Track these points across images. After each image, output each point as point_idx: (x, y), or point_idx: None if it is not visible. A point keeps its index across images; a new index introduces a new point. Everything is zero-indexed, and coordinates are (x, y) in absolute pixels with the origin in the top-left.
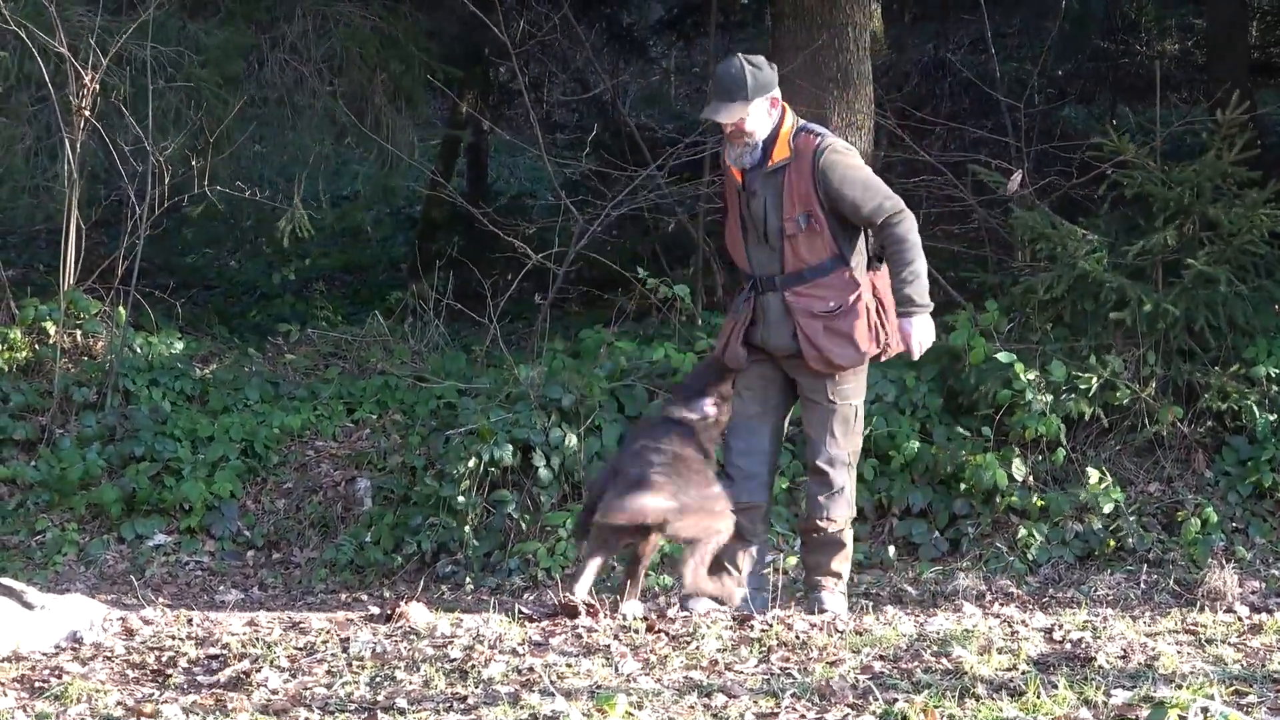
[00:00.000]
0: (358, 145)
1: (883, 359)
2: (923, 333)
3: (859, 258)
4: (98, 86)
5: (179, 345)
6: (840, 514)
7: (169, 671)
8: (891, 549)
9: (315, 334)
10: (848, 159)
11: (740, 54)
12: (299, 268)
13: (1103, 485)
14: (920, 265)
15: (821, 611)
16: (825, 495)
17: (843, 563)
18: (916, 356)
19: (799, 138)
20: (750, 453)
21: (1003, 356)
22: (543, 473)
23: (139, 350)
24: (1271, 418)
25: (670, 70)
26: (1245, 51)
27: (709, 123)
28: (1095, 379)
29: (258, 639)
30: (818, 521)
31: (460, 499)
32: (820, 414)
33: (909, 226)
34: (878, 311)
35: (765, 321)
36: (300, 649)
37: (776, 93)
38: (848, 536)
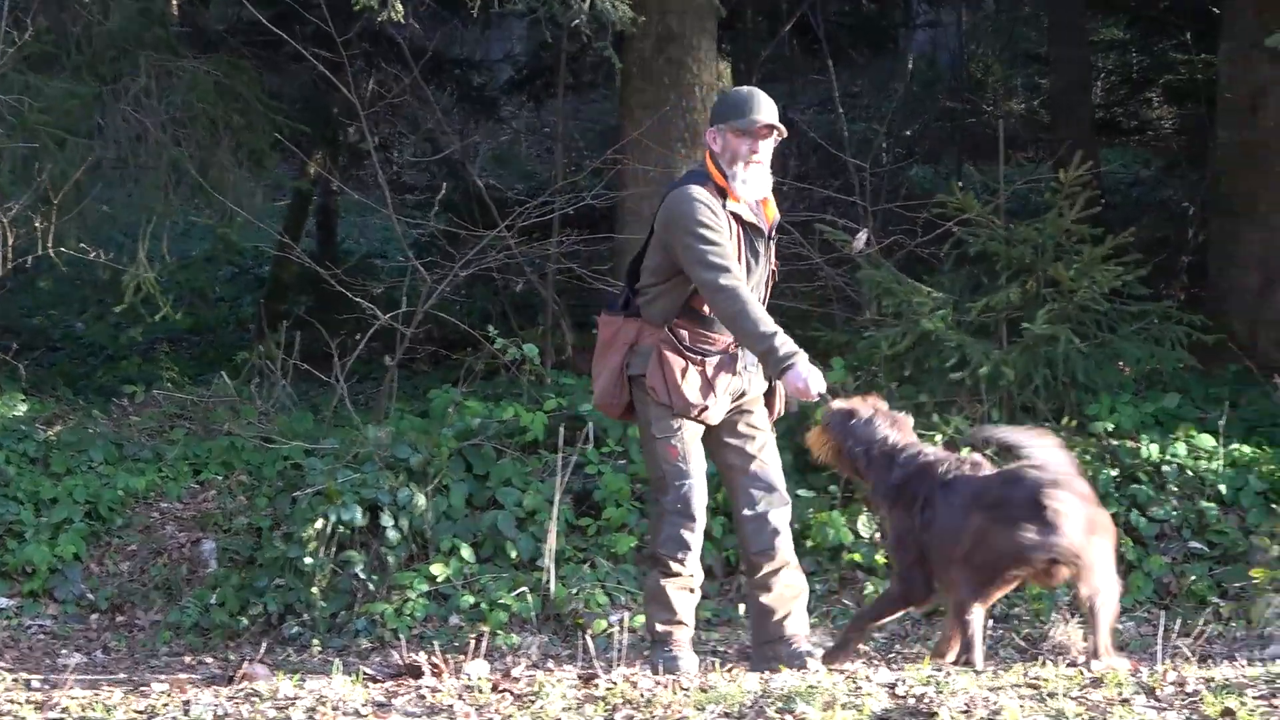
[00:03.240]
0: (203, 204)
1: None
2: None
3: None
4: None
5: (22, 407)
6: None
7: None
8: (739, 606)
9: (161, 395)
10: None
11: None
12: (145, 329)
13: None
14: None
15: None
16: (790, 523)
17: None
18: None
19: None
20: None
21: None
22: (390, 533)
23: None
24: (1113, 473)
25: (520, 131)
26: (1089, 111)
27: (760, 127)
28: (939, 436)
29: (98, 702)
30: (787, 557)
31: (307, 560)
32: (773, 441)
33: None
34: None
35: (747, 369)
36: (141, 712)
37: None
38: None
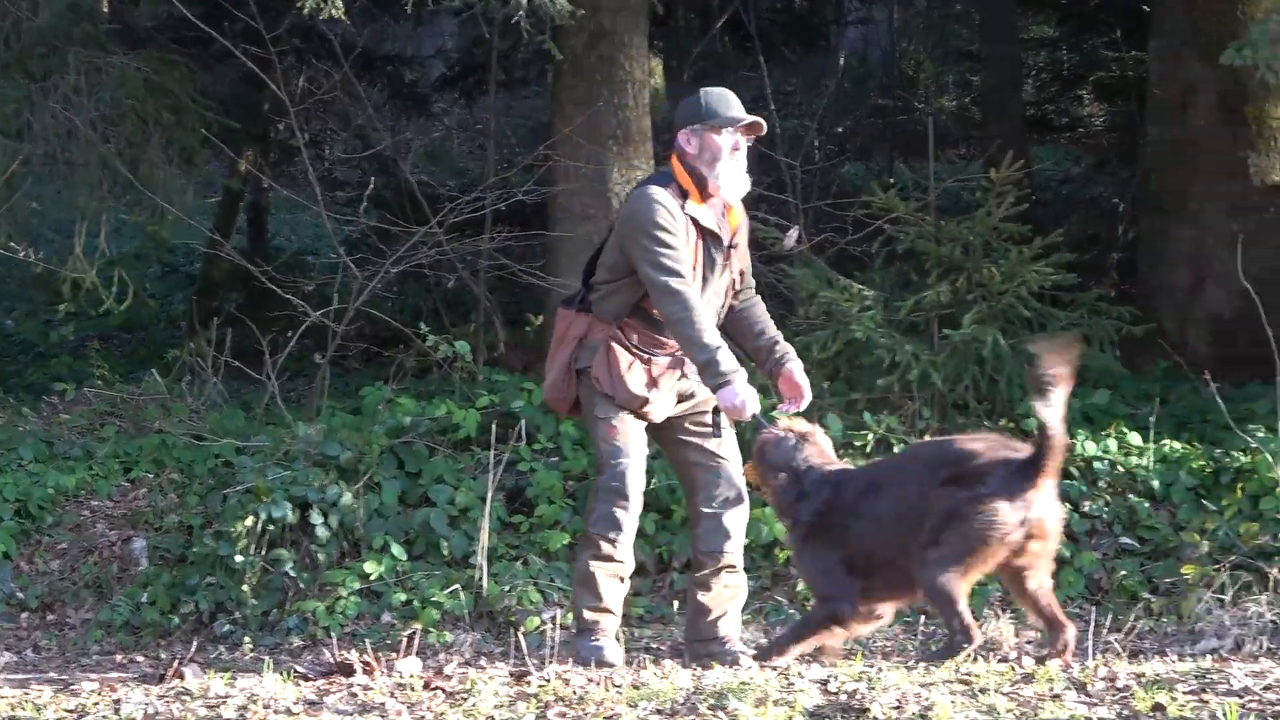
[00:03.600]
0: (134, 201)
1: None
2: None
3: None
4: None
5: None
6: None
7: None
8: (673, 603)
9: (91, 393)
10: None
11: None
12: (77, 326)
13: None
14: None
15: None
16: (744, 526)
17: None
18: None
19: None
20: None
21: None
22: (320, 531)
23: None
24: None
25: (452, 127)
26: (1020, 108)
27: (750, 124)
28: (872, 435)
29: (28, 701)
30: (734, 559)
31: (238, 558)
32: (730, 438)
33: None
34: None
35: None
36: (71, 711)
37: None
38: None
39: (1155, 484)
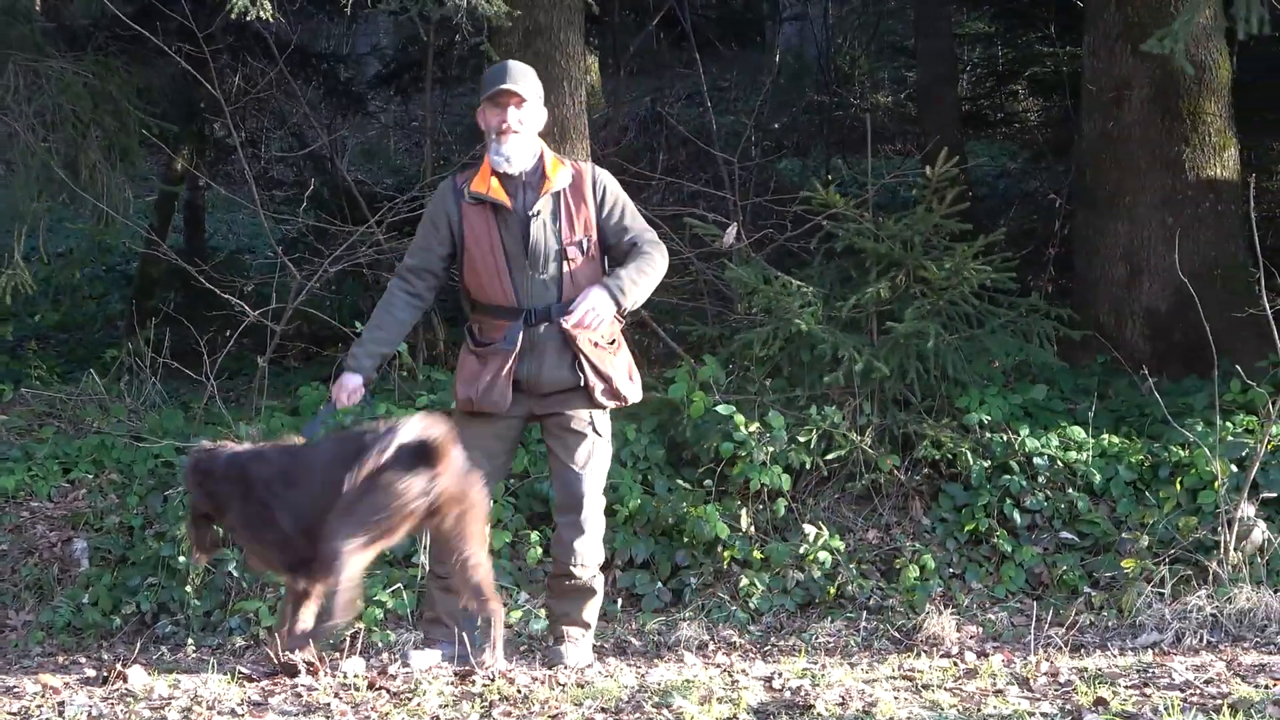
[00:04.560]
0: (71, 202)
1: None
2: (604, 307)
3: None
4: None
5: None
6: (593, 559)
7: None
8: (616, 601)
9: (29, 393)
10: (615, 182)
11: None
12: (14, 327)
13: (819, 540)
14: (649, 281)
15: (558, 665)
16: (580, 539)
17: (593, 611)
18: (574, 321)
19: (571, 163)
20: None
21: (723, 409)
22: None
23: None
24: (985, 464)
25: (389, 125)
26: (955, 103)
27: (494, 93)
28: (814, 430)
29: None
30: (571, 568)
31: (181, 559)
32: (583, 448)
33: (663, 258)
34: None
35: (538, 355)
36: (14, 714)
37: (545, 112)
38: (599, 583)
39: (1095, 478)
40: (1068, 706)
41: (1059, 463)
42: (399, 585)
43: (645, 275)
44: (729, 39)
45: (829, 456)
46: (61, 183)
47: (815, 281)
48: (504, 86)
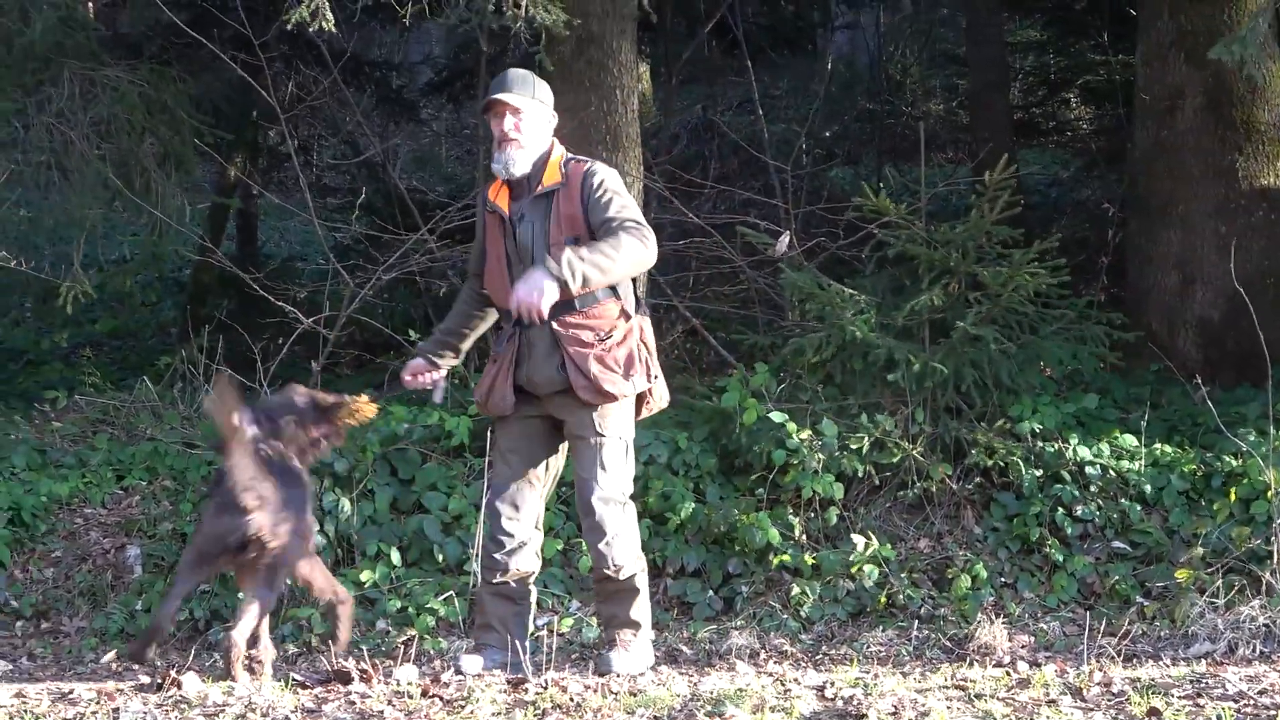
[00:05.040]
0: (125, 210)
1: (644, 411)
2: (535, 286)
3: (627, 289)
4: None
5: None
6: (625, 558)
7: None
8: (668, 609)
9: (83, 400)
10: (612, 176)
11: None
12: (68, 334)
13: (868, 550)
14: (606, 259)
15: (608, 672)
16: (603, 542)
17: (640, 611)
18: (514, 304)
19: (569, 165)
20: (522, 519)
21: (775, 416)
22: (316, 538)
23: None
24: (1037, 473)
25: (441, 133)
26: (1007, 111)
27: (488, 103)
28: (867, 438)
29: (26, 711)
30: (605, 571)
31: None
32: (588, 451)
33: (636, 242)
34: (643, 349)
35: (531, 357)
36: None
37: (554, 117)
38: (640, 582)
39: (1147, 488)
40: (1121, 717)
41: (1111, 472)
42: (450, 593)
43: (600, 254)
44: (781, 47)
45: (881, 464)
46: (116, 191)
47: (868, 290)
48: (495, 97)
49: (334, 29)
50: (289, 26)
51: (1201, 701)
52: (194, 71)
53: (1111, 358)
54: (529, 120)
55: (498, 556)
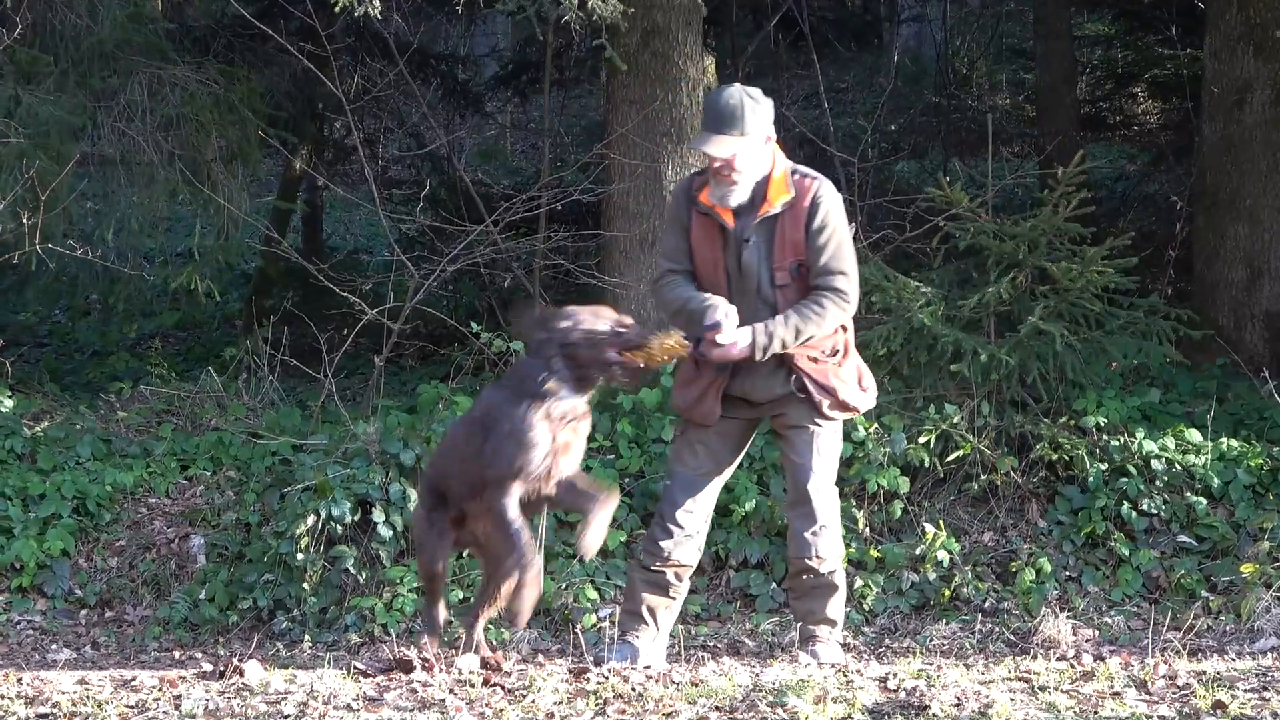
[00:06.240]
0: (192, 203)
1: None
2: (738, 352)
3: None
4: None
5: (9, 403)
6: (829, 551)
7: None
8: (731, 601)
9: (148, 391)
10: (836, 206)
11: (739, 84)
12: (137, 324)
13: (938, 541)
14: (802, 337)
15: (820, 665)
16: (810, 530)
17: (837, 607)
18: (713, 354)
19: (795, 180)
20: (696, 512)
21: None
22: (382, 529)
23: None
24: (1102, 467)
25: (506, 126)
26: (1074, 105)
27: (701, 154)
28: (933, 430)
29: (89, 697)
30: (807, 562)
31: (299, 556)
32: (804, 436)
33: (838, 310)
34: (858, 357)
35: (751, 373)
36: (132, 707)
37: (772, 131)
38: (840, 578)
39: (1213, 482)
40: (1185, 710)
41: (1177, 466)
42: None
43: (799, 334)
44: (846, 40)
45: (947, 458)
46: (181, 184)
47: (934, 283)
48: (707, 151)
49: (390, 18)
50: (337, 9)
51: (1267, 695)
52: (260, 64)
53: (1176, 355)
54: (744, 158)
55: (663, 544)
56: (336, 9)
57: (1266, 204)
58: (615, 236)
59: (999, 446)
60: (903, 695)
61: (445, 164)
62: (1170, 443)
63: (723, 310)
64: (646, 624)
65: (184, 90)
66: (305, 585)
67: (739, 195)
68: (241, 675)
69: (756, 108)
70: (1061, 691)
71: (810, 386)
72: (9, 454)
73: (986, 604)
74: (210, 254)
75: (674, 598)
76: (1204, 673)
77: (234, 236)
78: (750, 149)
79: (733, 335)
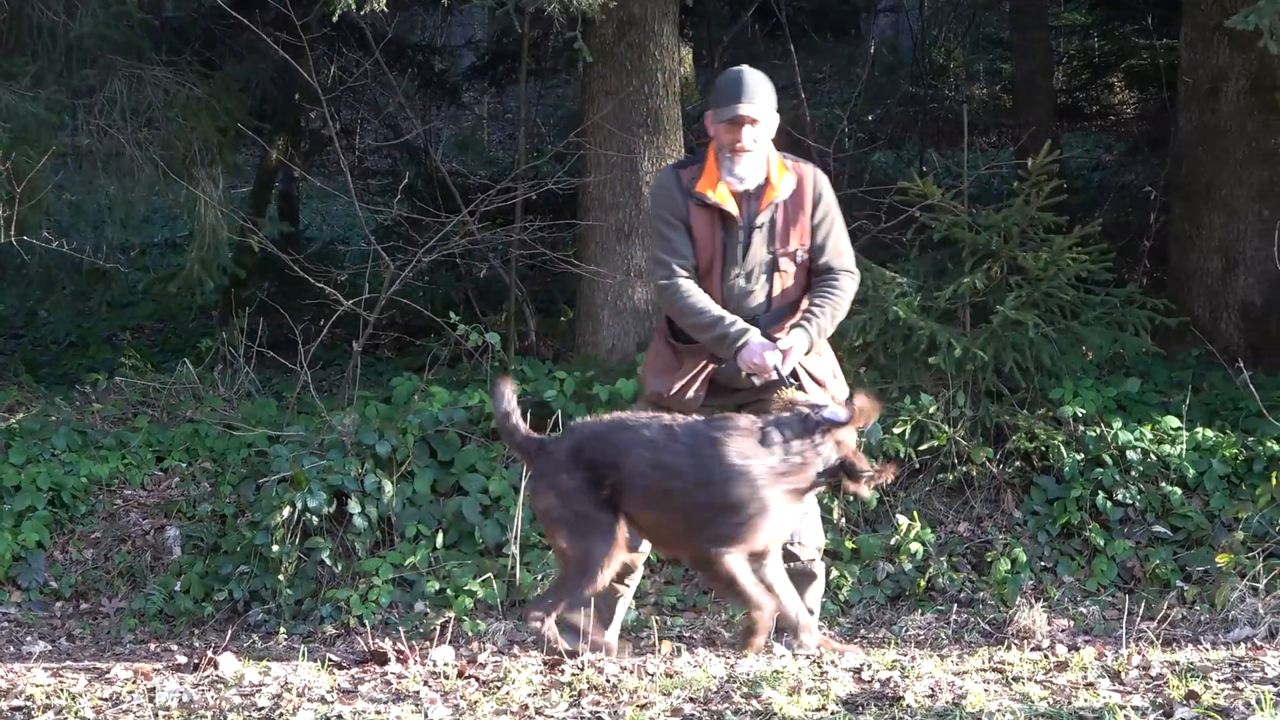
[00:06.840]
0: (168, 194)
1: None
2: (797, 355)
3: None
4: None
5: None
6: (809, 539)
7: None
8: (706, 591)
9: (124, 382)
10: (829, 191)
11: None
12: (111, 316)
13: (913, 532)
14: (838, 314)
15: (795, 655)
16: None
17: (815, 598)
18: (743, 365)
19: (793, 166)
20: None
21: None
22: (358, 520)
23: None
24: (1078, 458)
25: (483, 116)
26: (1051, 96)
27: (733, 118)
28: (908, 421)
29: (63, 690)
30: (788, 546)
31: (274, 548)
32: None
33: (849, 297)
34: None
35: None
36: (106, 700)
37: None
38: (819, 568)
39: (1188, 472)
40: (1159, 700)
41: (1152, 456)
42: (489, 575)
43: (834, 319)
44: (823, 30)
45: (922, 448)
46: (157, 178)
47: (910, 274)
48: (741, 112)
49: (384, 9)
50: (332, 15)
51: (1240, 685)
52: (237, 57)
53: (1151, 345)
54: (764, 129)
55: None
56: (333, 17)
57: (1241, 194)
58: (591, 226)
59: (974, 437)
60: (877, 686)
61: (422, 154)
62: (1146, 433)
63: (772, 346)
64: (595, 610)
65: (165, 92)
66: (280, 577)
67: (755, 174)
68: (216, 668)
69: (769, 85)
70: (1035, 682)
71: (804, 376)
72: None
73: (961, 594)
74: (190, 265)
75: (627, 585)
76: (1178, 663)
77: (214, 248)
78: (770, 121)
79: (789, 342)
